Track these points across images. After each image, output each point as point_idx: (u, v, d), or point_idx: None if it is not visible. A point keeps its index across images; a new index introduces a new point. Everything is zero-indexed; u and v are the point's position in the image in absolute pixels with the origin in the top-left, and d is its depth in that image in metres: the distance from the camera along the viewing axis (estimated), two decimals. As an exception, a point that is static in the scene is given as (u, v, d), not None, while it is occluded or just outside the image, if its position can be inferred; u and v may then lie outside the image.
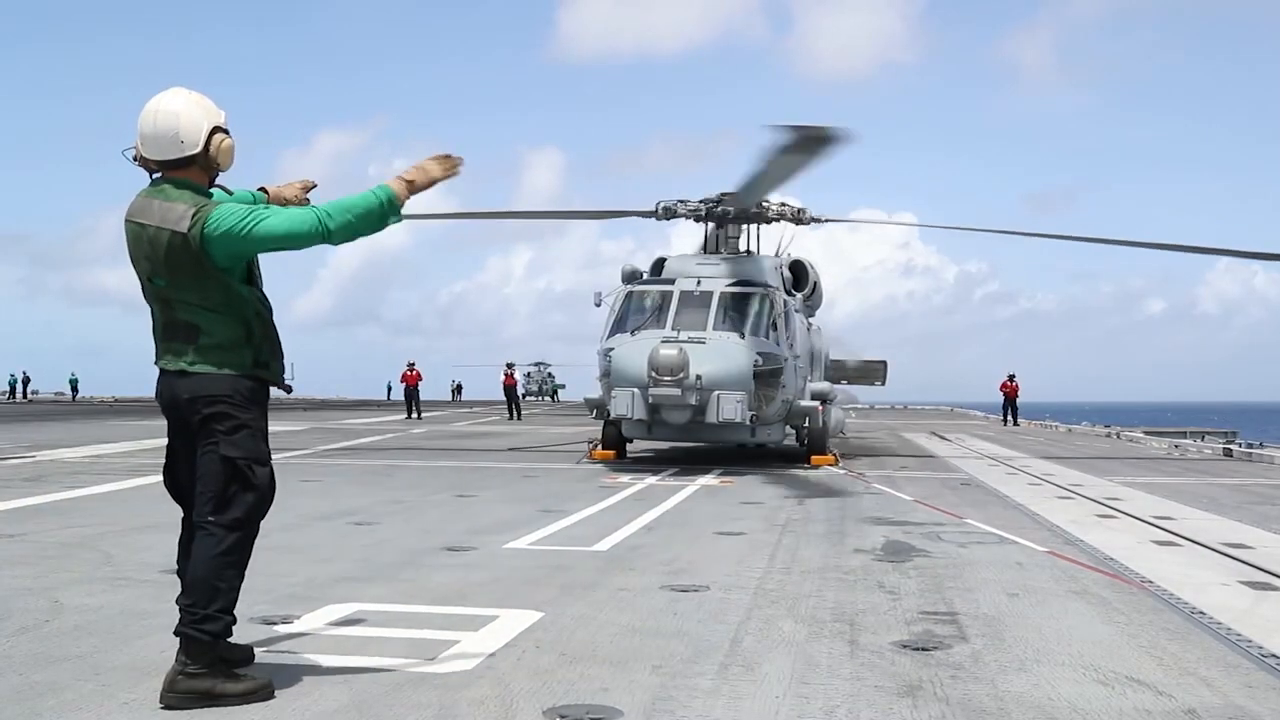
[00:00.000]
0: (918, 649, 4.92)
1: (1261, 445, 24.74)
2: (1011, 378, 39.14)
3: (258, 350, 4.18)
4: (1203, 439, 29.92)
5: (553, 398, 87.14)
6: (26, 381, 64.71)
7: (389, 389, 71.78)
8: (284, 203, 4.56)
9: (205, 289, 4.08)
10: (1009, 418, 38.84)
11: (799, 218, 20.00)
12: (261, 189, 4.60)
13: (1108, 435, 30.51)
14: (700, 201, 19.35)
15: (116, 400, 58.12)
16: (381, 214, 4.12)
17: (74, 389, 63.17)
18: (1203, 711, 4.06)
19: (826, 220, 20.94)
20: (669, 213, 19.63)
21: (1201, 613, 5.80)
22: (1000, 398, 39.75)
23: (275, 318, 4.32)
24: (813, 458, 16.96)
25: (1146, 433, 31.18)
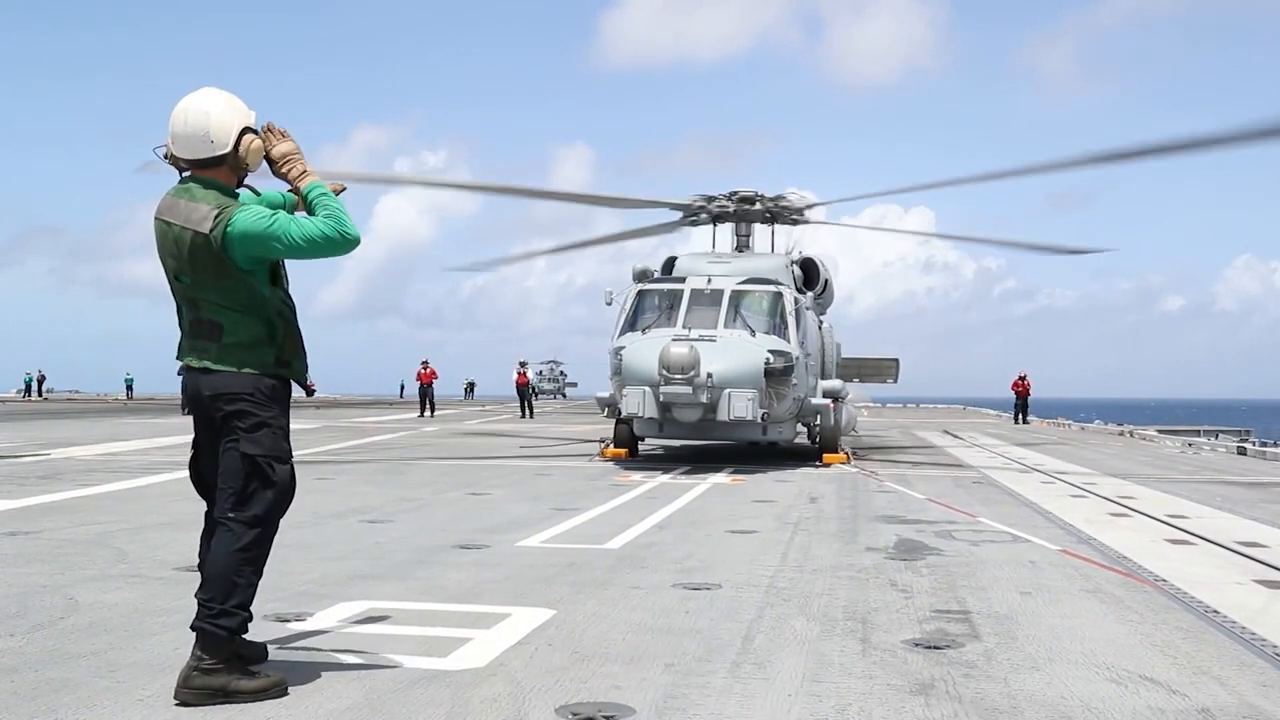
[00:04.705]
0: (930, 647, 4.91)
1: (1276, 444, 24.61)
2: (1023, 377, 39.07)
3: (280, 350, 4.21)
4: (1216, 437, 29.76)
5: (561, 395, 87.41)
6: (42, 380, 65.02)
7: (402, 387, 71.98)
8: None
9: (228, 289, 4.11)
10: (1020, 416, 38.78)
11: (807, 214, 20.00)
12: (293, 191, 4.63)
13: (1121, 434, 30.41)
14: (711, 198, 19.37)
15: (131, 399, 58.36)
16: None
17: (129, 389, 63.48)
18: (1216, 711, 4.04)
19: (834, 201, 20.96)
20: (694, 219, 19.69)
21: (1215, 611, 5.78)
22: (1012, 397, 39.68)
23: (300, 312, 4.35)
24: (825, 456, 16.95)
25: (1160, 431, 31.07)
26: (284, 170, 4.26)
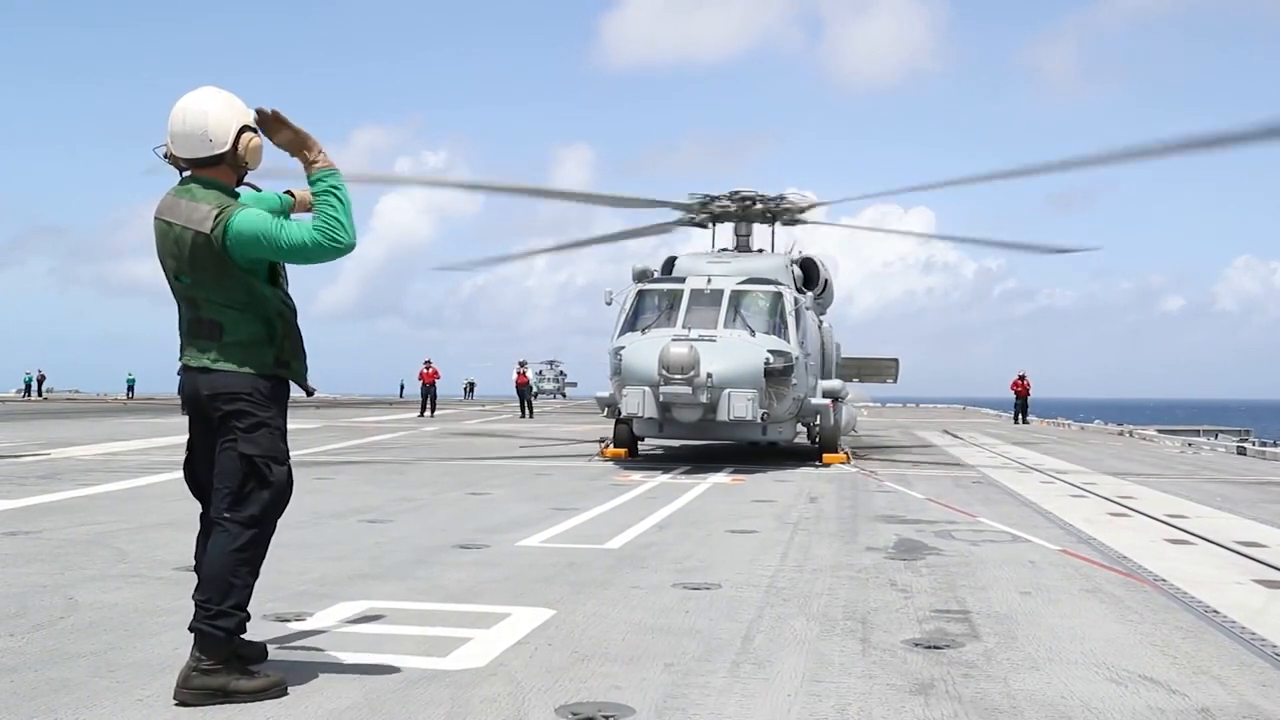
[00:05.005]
0: (930, 647, 4.91)
1: (1275, 444, 24.62)
2: (1022, 377, 39.09)
3: (279, 350, 4.21)
4: (1216, 437, 29.77)
5: (561, 395, 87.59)
6: (42, 380, 65.05)
7: (401, 387, 72.03)
8: (309, 207, 4.58)
9: (228, 288, 4.11)
10: (1019, 416, 38.80)
11: (808, 211, 20.00)
12: (288, 192, 4.62)
13: (1120, 433, 30.41)
14: (709, 197, 19.37)
15: (131, 399, 58.39)
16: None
17: (130, 389, 63.69)
18: (1216, 710, 4.04)
19: (835, 202, 20.95)
20: (692, 220, 19.68)
21: (1215, 611, 5.78)
22: (1011, 396, 39.69)
23: (300, 312, 4.34)
24: (824, 456, 16.96)
25: (1160, 431, 31.08)
26: (297, 157, 4.19)
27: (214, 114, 4.14)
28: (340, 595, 5.89)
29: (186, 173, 4.21)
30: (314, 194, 4.13)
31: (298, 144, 4.19)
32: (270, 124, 4.19)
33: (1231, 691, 4.29)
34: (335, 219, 4.06)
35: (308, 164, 4.17)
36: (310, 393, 4.48)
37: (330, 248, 4.06)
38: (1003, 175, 19.25)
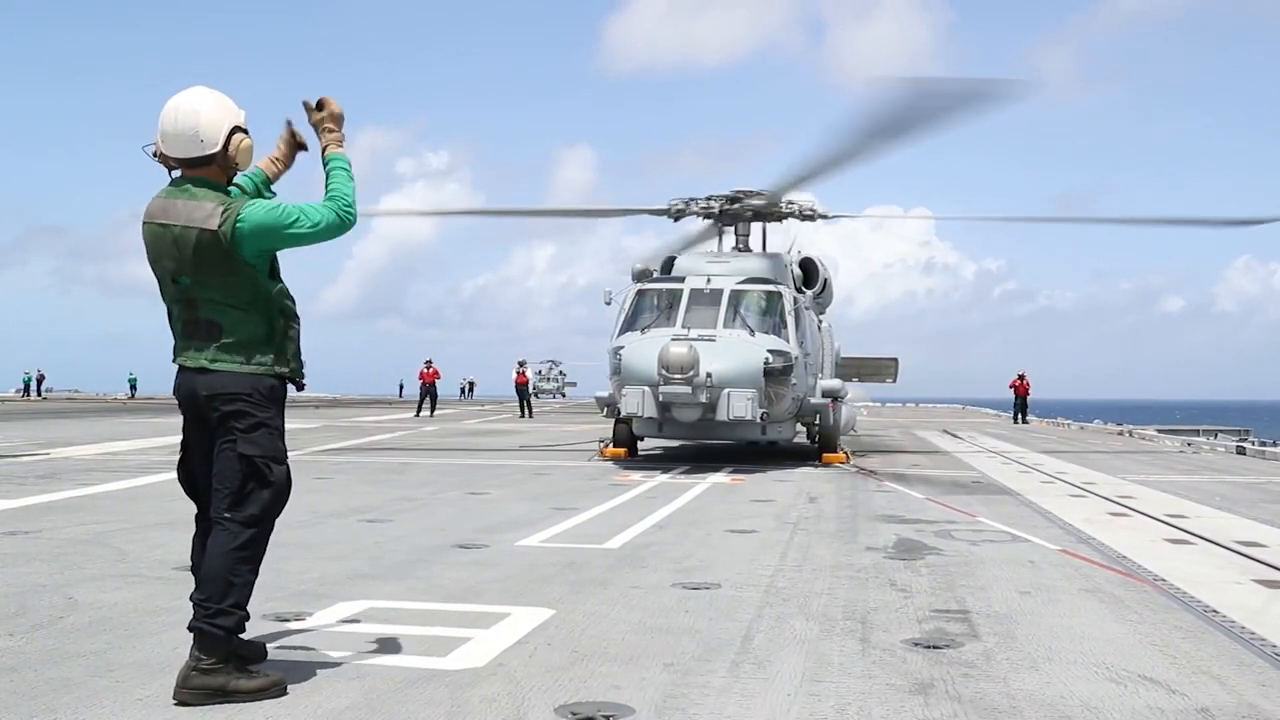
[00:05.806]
0: (929, 647, 4.91)
1: (1275, 444, 24.62)
2: (1022, 377, 39.07)
3: (279, 348, 4.22)
4: (1215, 437, 29.77)
5: (560, 395, 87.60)
6: (41, 380, 65.05)
7: (401, 387, 72.03)
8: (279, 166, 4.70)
9: (232, 286, 4.11)
10: (1019, 416, 38.79)
11: (810, 214, 19.97)
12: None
13: (1120, 433, 30.42)
14: (709, 199, 19.33)
15: (132, 398, 58.41)
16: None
17: (133, 389, 63.85)
18: (1216, 710, 4.04)
19: (836, 216, 20.89)
20: (680, 213, 19.60)
21: (1215, 611, 5.78)
22: (1011, 396, 39.68)
23: (300, 312, 4.36)
24: (824, 455, 16.97)
25: (1160, 430, 31.08)
26: (329, 129, 4.37)
27: (206, 114, 4.14)
28: (340, 595, 5.89)
29: (176, 172, 4.21)
30: (329, 169, 4.27)
31: (338, 120, 4.36)
32: (319, 104, 4.37)
33: (1231, 691, 4.29)
34: (346, 196, 4.22)
35: (333, 141, 4.34)
36: (300, 387, 4.49)
37: (343, 223, 4.21)
38: (1000, 218, 19.67)
